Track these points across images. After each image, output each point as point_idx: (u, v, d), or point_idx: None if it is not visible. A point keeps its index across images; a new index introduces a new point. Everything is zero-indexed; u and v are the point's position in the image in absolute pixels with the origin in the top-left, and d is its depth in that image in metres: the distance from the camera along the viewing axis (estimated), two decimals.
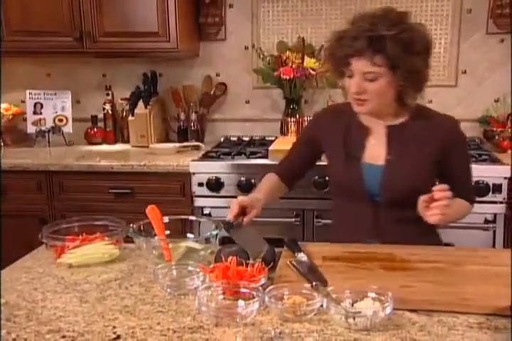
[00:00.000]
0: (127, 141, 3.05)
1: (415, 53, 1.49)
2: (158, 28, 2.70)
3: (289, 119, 2.86)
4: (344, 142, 1.66)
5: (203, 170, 2.55)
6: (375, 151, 1.63)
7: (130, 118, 2.99)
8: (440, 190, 1.39)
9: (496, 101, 2.83)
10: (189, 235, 1.55)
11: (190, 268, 1.31)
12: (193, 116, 3.01)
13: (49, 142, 3.06)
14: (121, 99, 3.10)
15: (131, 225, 1.49)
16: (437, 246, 1.51)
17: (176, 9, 2.67)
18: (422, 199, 1.43)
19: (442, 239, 1.74)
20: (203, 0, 2.88)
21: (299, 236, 2.49)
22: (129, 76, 3.10)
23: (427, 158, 1.60)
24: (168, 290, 1.25)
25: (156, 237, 1.48)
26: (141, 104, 2.97)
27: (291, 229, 2.46)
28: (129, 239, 1.50)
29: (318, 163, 1.83)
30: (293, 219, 2.46)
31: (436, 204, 1.39)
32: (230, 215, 1.50)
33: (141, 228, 1.50)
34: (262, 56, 2.92)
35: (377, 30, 1.45)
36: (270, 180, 1.78)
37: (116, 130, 3.15)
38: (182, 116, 3.03)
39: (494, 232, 2.36)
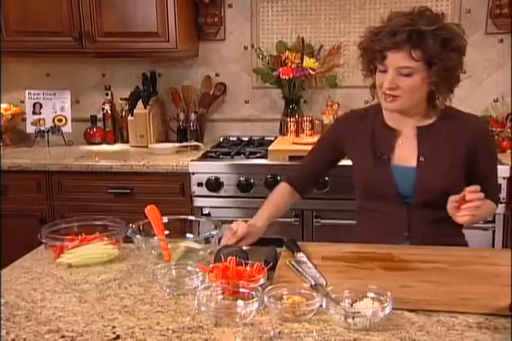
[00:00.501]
0: (127, 141, 3.05)
1: (452, 51, 1.50)
2: (157, 28, 2.70)
3: (289, 119, 2.86)
4: (372, 145, 1.65)
5: (202, 170, 2.55)
6: (405, 153, 1.62)
7: (129, 118, 2.99)
8: (472, 192, 1.39)
9: (495, 101, 2.83)
10: (188, 235, 1.55)
11: (189, 268, 1.32)
12: (193, 116, 3.01)
13: (48, 142, 3.05)
14: (121, 99, 3.10)
15: (131, 225, 1.49)
16: (437, 246, 1.51)
17: (175, 9, 2.67)
18: (452, 199, 1.43)
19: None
20: (202, 0, 2.88)
21: (298, 236, 2.49)
22: (128, 76, 3.10)
23: (457, 159, 1.60)
24: (168, 290, 1.25)
25: (156, 237, 1.48)
26: (140, 104, 2.97)
27: (290, 229, 2.46)
28: (128, 239, 1.50)
29: None
30: (292, 219, 2.46)
31: (468, 206, 1.39)
32: (224, 242, 1.49)
33: (141, 228, 1.50)
34: (261, 56, 2.92)
35: (417, 25, 1.46)
36: (278, 195, 1.75)
37: (115, 130, 3.15)
38: (181, 116, 3.03)
39: (494, 232, 2.37)
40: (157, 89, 3.07)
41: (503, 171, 2.32)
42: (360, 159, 1.68)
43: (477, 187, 1.39)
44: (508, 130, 2.64)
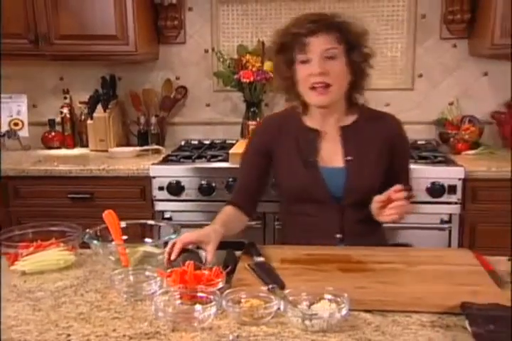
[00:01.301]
0: (86, 145, 3.01)
1: (365, 44, 1.58)
2: (116, 31, 2.67)
3: (250, 122, 2.86)
4: (297, 148, 1.64)
5: (163, 173, 2.53)
6: (331, 154, 1.64)
7: (89, 122, 2.95)
8: (397, 191, 1.42)
9: (451, 104, 2.90)
10: (147, 240, 1.53)
11: (147, 273, 1.30)
12: (153, 120, 2.99)
13: (4, 146, 2.98)
14: (80, 103, 3.05)
15: (88, 230, 1.46)
16: (393, 247, 1.54)
17: (134, 12, 2.65)
18: (377, 199, 1.46)
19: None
20: (161, 3, 2.86)
21: (260, 239, 2.49)
22: (87, 79, 3.06)
23: (380, 157, 1.63)
24: (125, 295, 1.23)
25: (113, 242, 1.46)
26: (99, 107, 2.93)
27: (252, 232, 2.44)
28: (86, 245, 1.47)
29: None
30: (253, 222, 2.46)
31: (394, 205, 1.42)
32: (165, 258, 1.34)
33: (98, 233, 1.48)
34: (221, 59, 2.92)
35: (331, 16, 1.55)
36: (226, 212, 1.63)
37: (74, 134, 3.10)
38: (142, 120, 3.00)
39: (450, 232, 2.42)
40: (117, 92, 3.04)
41: (458, 172, 2.38)
42: (287, 164, 1.66)
43: (401, 187, 1.43)
44: (463, 132, 2.71)
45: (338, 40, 1.53)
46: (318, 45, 1.52)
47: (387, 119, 1.69)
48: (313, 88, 1.54)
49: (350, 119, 1.66)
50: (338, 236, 1.63)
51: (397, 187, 1.44)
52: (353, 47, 1.56)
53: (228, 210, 1.66)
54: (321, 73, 1.52)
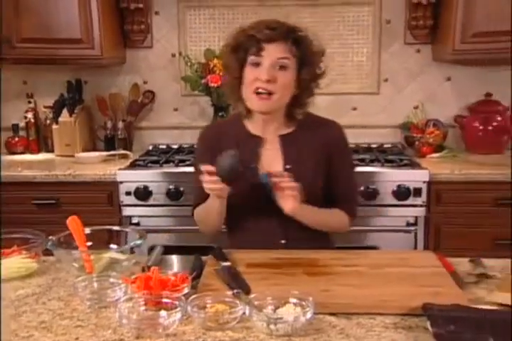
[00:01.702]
0: (51, 151, 2.96)
1: (317, 61, 1.58)
2: (81, 34, 2.64)
3: None
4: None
5: (130, 178, 2.51)
6: (271, 161, 1.63)
7: (54, 126, 2.90)
8: (279, 176, 1.48)
9: (416, 108, 2.95)
10: (112, 246, 1.52)
11: (111, 279, 1.29)
12: (120, 125, 2.96)
13: None
14: (45, 107, 3.00)
15: (51, 237, 1.44)
16: (359, 250, 1.56)
17: (99, 15, 2.62)
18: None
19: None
20: (127, 7, 2.84)
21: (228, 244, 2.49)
22: (52, 83, 3.01)
23: (320, 165, 1.63)
24: (88, 303, 1.22)
25: (77, 249, 1.44)
26: (65, 112, 2.89)
27: (220, 237, 2.45)
28: (50, 252, 1.45)
29: None
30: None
31: (286, 193, 1.48)
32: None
33: (61, 240, 1.45)
34: (189, 64, 2.91)
35: (293, 28, 1.54)
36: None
37: (39, 139, 3.04)
38: (109, 125, 2.97)
39: (416, 234, 2.45)
40: (83, 96, 3.00)
41: (423, 175, 2.42)
42: None
43: (281, 173, 1.50)
44: (428, 136, 2.76)
45: (292, 52, 1.53)
46: (273, 52, 1.51)
47: (327, 126, 1.68)
48: (256, 93, 1.53)
49: (290, 128, 1.66)
50: (282, 241, 1.63)
51: (277, 172, 1.50)
52: (306, 63, 1.55)
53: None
54: (268, 80, 1.51)
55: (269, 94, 1.52)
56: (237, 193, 1.57)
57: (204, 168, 1.48)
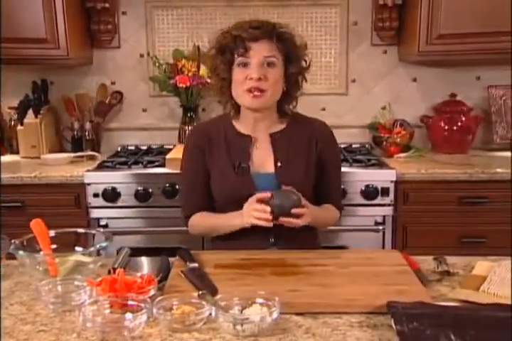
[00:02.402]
0: (17, 152, 2.90)
1: (303, 59, 1.62)
2: (46, 34, 2.59)
3: (187, 127, 2.85)
4: (229, 154, 1.66)
5: (98, 180, 2.48)
6: (262, 159, 1.66)
7: (19, 127, 2.84)
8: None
9: (383, 108, 2.98)
10: (77, 248, 1.49)
11: (76, 282, 1.27)
12: (88, 126, 2.91)
13: None
14: (9, 108, 2.94)
15: (13, 241, 1.41)
16: (327, 250, 1.57)
17: (64, 15, 2.57)
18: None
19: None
20: (94, 6, 2.81)
21: (199, 245, 2.48)
22: (16, 84, 2.94)
23: (310, 162, 1.66)
24: (52, 307, 1.20)
25: (41, 252, 1.41)
26: (30, 113, 2.84)
27: (190, 237, 2.44)
28: (13, 256, 1.42)
29: None
30: None
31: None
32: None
33: (24, 243, 1.42)
34: (157, 64, 2.89)
35: (274, 25, 1.58)
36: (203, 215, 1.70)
37: (3, 141, 2.98)
38: (76, 126, 2.93)
39: (384, 233, 2.48)
40: (49, 97, 2.95)
41: (390, 175, 2.45)
42: (220, 170, 1.66)
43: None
44: (395, 136, 2.79)
45: (278, 49, 1.57)
46: (259, 51, 1.55)
47: (316, 125, 1.72)
48: (249, 90, 1.56)
49: (280, 126, 1.69)
50: (270, 240, 1.64)
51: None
52: (292, 58, 1.60)
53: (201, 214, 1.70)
54: (259, 79, 1.54)
55: (262, 91, 1.56)
56: (227, 192, 1.63)
57: (259, 196, 1.50)
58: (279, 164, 1.64)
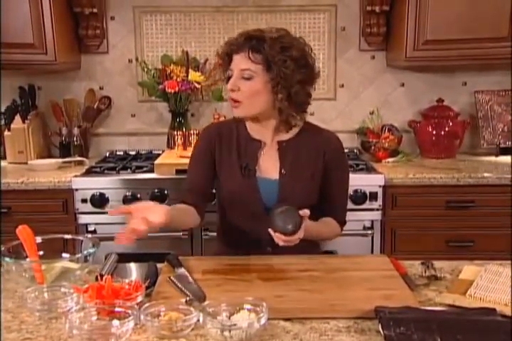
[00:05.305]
0: (4, 158, 2.88)
1: (290, 59, 1.53)
2: (33, 39, 2.58)
3: (176, 133, 2.84)
4: (238, 156, 1.67)
5: (86, 186, 2.47)
6: (268, 165, 1.67)
7: (6, 133, 2.82)
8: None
9: (371, 113, 3.00)
10: (64, 255, 1.48)
11: (63, 289, 1.26)
12: (76, 131, 2.90)
13: None
14: None
15: None
16: (314, 255, 1.57)
17: (52, 20, 2.56)
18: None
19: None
20: (82, 11, 2.80)
21: (188, 250, 2.48)
22: (3, 89, 2.91)
23: (316, 172, 1.66)
24: (38, 314, 1.19)
25: (27, 259, 1.40)
26: (18, 118, 2.82)
27: (179, 243, 2.44)
28: None
29: None
30: (181, 233, 2.44)
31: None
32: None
33: (10, 250, 1.41)
34: (146, 69, 2.89)
35: (259, 32, 1.57)
36: (177, 206, 1.64)
37: None
38: (64, 131, 2.91)
39: (372, 238, 2.49)
40: (37, 102, 2.94)
41: (378, 180, 2.46)
42: (227, 170, 1.69)
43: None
44: (383, 140, 2.81)
45: (255, 61, 1.54)
46: (238, 64, 1.58)
47: (326, 136, 1.71)
48: (230, 98, 1.61)
49: (288, 135, 1.68)
50: (268, 249, 1.63)
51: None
52: (272, 66, 1.53)
53: (180, 205, 1.66)
54: (231, 90, 1.58)
55: (237, 102, 1.59)
56: (232, 192, 1.64)
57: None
58: (283, 171, 1.65)
